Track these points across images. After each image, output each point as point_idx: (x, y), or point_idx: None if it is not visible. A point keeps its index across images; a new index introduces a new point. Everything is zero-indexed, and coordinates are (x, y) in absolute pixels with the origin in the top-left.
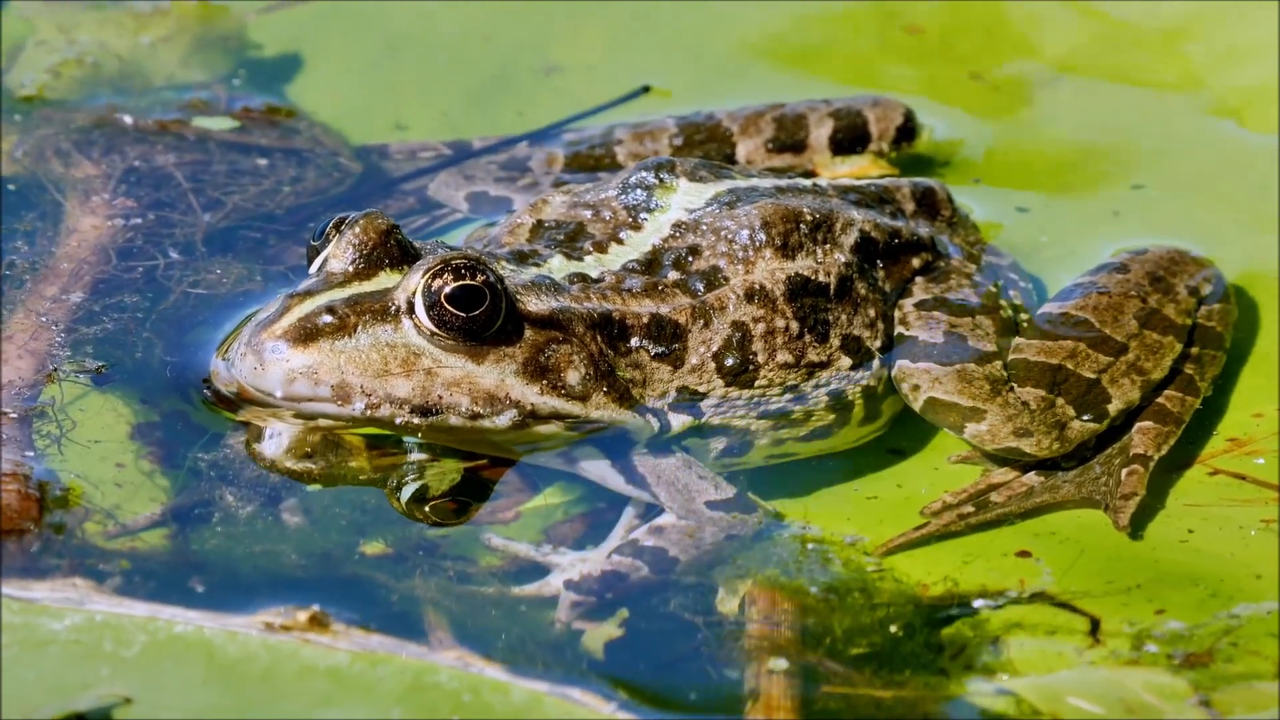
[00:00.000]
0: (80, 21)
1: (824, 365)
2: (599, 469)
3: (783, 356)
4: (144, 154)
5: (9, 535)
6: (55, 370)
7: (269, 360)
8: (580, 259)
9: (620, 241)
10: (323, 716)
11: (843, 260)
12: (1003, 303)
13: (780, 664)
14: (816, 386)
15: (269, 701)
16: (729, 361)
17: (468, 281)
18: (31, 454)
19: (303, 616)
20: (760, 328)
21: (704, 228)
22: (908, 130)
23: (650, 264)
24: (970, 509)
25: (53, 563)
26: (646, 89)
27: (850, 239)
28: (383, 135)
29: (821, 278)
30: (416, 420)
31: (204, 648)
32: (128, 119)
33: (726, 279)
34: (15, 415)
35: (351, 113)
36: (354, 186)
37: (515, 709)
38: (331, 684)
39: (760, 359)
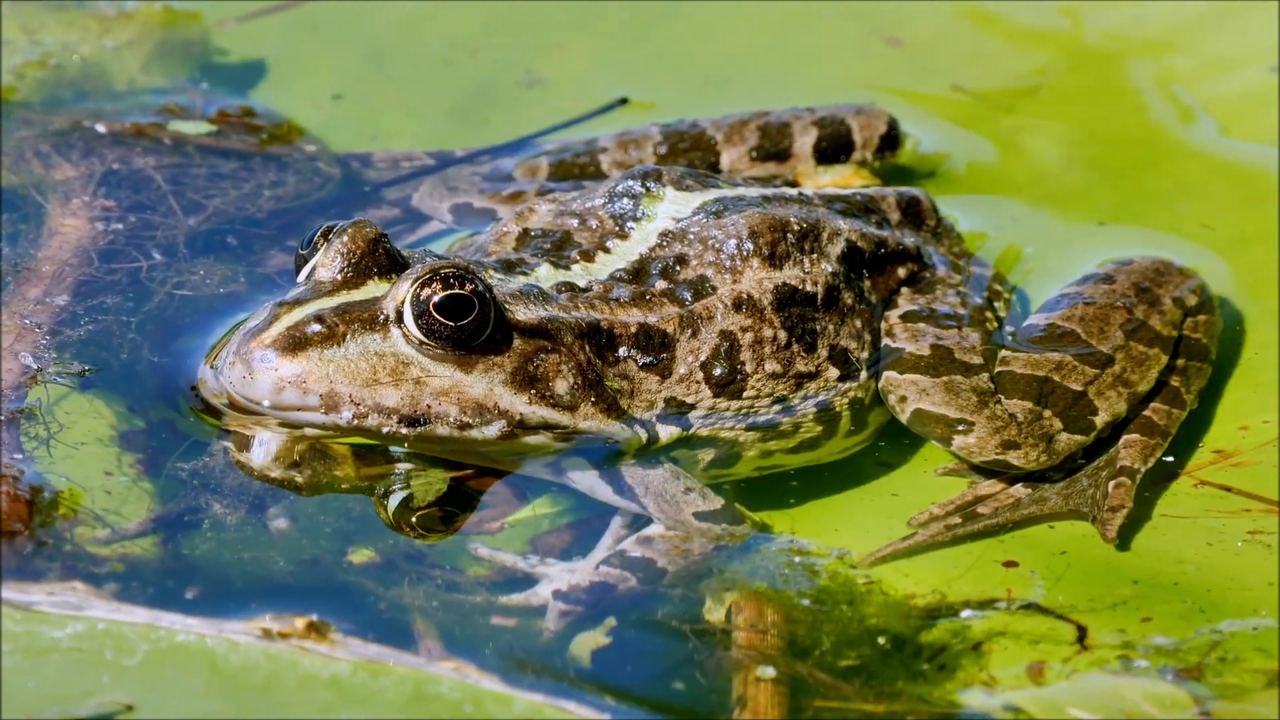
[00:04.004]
0: (45, 23)
1: (812, 376)
2: (587, 480)
3: (770, 366)
4: (123, 156)
5: (1, 537)
6: (40, 372)
7: (258, 369)
8: (567, 268)
9: (607, 251)
10: None
11: (830, 270)
12: (988, 314)
13: (768, 672)
14: (804, 397)
15: (270, 711)
16: (717, 371)
17: (456, 290)
18: (20, 456)
19: (300, 624)
20: (748, 337)
21: (691, 237)
22: (891, 139)
23: (638, 273)
24: (957, 520)
25: (46, 566)
26: (624, 101)
27: (837, 248)
28: (364, 145)
29: (809, 287)
30: (405, 430)
31: (206, 657)
32: (101, 128)
33: (714, 288)
34: (3, 418)
35: (331, 122)
36: (335, 192)
37: (516, 719)
38: (333, 694)
39: (748, 369)
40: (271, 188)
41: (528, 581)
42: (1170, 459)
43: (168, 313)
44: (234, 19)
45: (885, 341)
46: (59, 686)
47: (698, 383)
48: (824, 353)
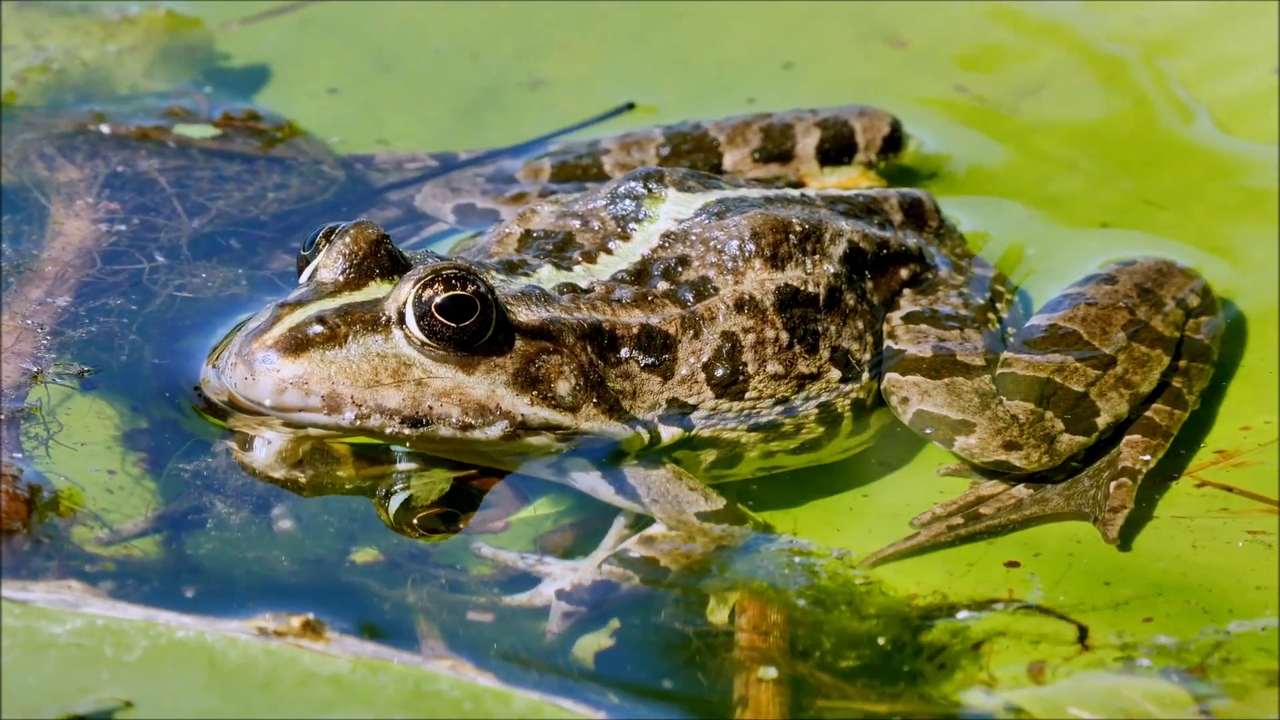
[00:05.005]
0: (49, 28)
1: (814, 377)
2: (589, 480)
3: (772, 367)
4: (127, 159)
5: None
6: (41, 373)
7: (259, 370)
8: (569, 269)
9: (609, 252)
10: None
11: (832, 271)
12: (990, 315)
13: (769, 672)
14: (806, 398)
15: (270, 708)
16: (719, 372)
17: (458, 292)
18: (20, 456)
19: (296, 622)
20: (750, 338)
21: (693, 238)
22: (894, 140)
23: (640, 274)
24: (959, 521)
25: (44, 564)
26: (631, 106)
27: (839, 249)
28: (367, 147)
29: (811, 288)
30: (407, 431)
31: (205, 653)
32: (105, 129)
33: (716, 289)
34: (3, 417)
35: (335, 124)
36: (338, 195)
37: (516, 717)
38: (333, 691)
39: (750, 370)
40: (275, 190)
41: (530, 581)
42: (1172, 459)
43: (169, 314)
44: (237, 21)
45: (887, 343)
46: (58, 683)
47: (700, 383)
48: (826, 354)
